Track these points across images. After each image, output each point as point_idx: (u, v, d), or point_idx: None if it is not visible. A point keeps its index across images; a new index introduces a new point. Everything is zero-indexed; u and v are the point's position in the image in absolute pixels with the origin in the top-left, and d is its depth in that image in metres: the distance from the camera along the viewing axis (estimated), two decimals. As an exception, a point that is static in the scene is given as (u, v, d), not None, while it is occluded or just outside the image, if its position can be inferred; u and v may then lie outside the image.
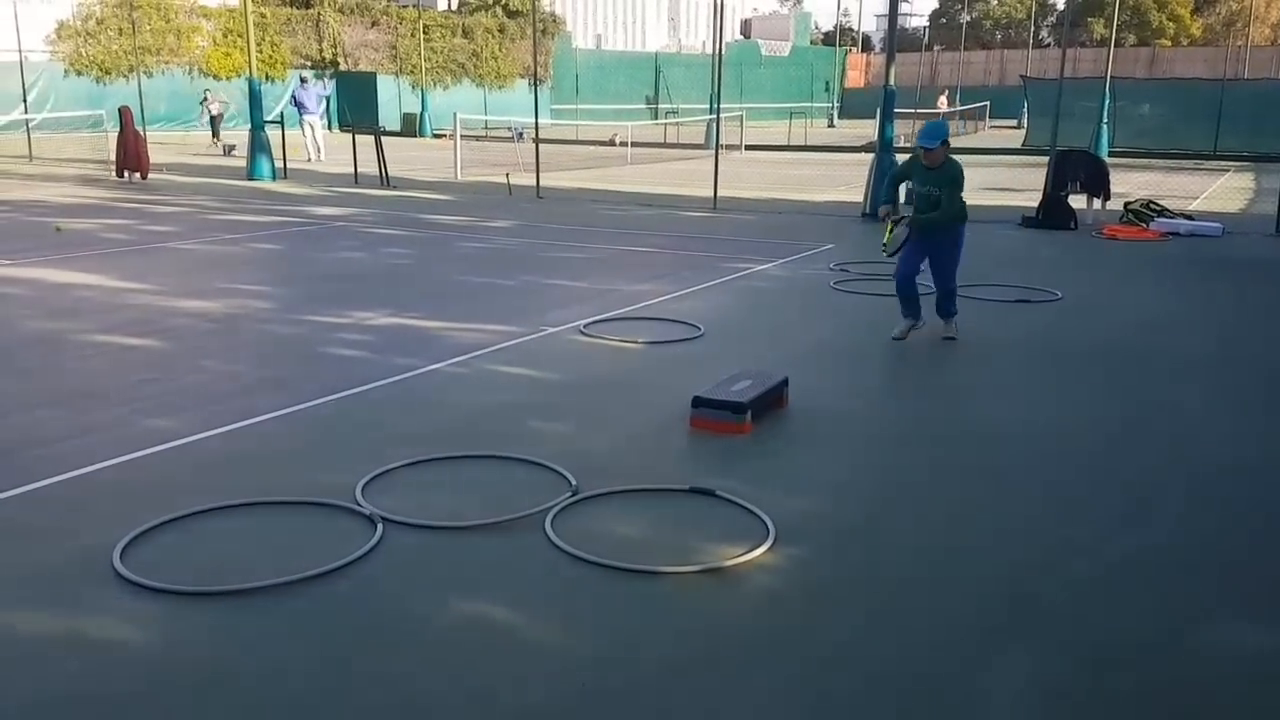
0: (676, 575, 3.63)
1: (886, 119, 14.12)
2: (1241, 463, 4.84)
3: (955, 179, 6.68)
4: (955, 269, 7.00)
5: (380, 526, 3.92)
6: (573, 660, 3.08)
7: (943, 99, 39.92)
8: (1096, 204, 13.36)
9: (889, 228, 6.89)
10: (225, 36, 34.89)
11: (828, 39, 70.69)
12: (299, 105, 22.88)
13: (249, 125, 19.01)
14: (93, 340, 6.90)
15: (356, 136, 19.16)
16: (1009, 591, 3.56)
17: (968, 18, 68.47)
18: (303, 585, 3.49)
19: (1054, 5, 71.58)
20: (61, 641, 3.14)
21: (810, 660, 3.11)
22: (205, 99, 27.26)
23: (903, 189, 7.40)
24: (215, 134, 26.65)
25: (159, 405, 5.49)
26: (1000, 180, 19.38)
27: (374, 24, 39.61)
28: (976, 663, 3.10)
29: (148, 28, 32.68)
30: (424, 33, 38.26)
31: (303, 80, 23.89)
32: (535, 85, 19.39)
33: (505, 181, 17.32)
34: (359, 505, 4.13)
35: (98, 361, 6.40)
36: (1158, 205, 13.29)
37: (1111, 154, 21.64)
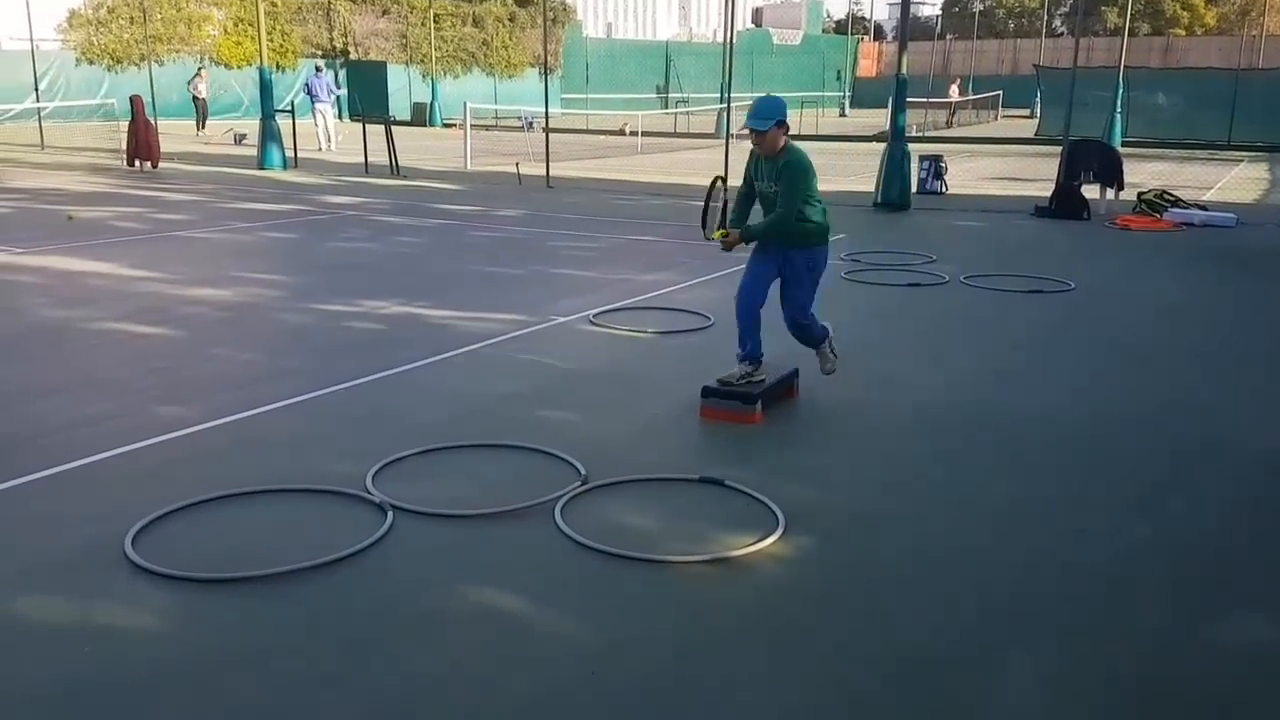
0: (686, 564, 3.62)
1: (899, 108, 14.05)
2: (1254, 454, 4.81)
3: (796, 172, 5.02)
4: (809, 301, 5.34)
5: (390, 515, 3.93)
6: (582, 648, 3.08)
7: (954, 88, 39.66)
8: (1110, 194, 13.28)
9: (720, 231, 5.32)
10: (236, 25, 34.90)
11: (840, 27, 70.32)
12: (311, 94, 22.88)
13: (260, 114, 19.03)
14: (104, 329, 6.93)
15: (366, 126, 19.16)
16: (1020, 580, 3.54)
17: (981, 6, 68.05)
18: (313, 573, 3.50)
19: (1067, -6, 71.11)
20: (74, 628, 3.16)
21: (820, 649, 3.11)
22: (198, 74, 26.97)
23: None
24: (202, 122, 26.40)
25: (170, 393, 5.51)
26: (1013, 170, 19.28)
27: (384, 13, 39.57)
28: (987, 651, 3.09)
29: (159, 16, 32.71)
30: (434, 22, 38.22)
31: (318, 69, 23.89)
32: (546, 74, 19.34)
33: (515, 171, 17.31)
34: (369, 493, 4.13)
35: (109, 350, 6.42)
36: (1171, 195, 13.20)
37: (1125, 144, 21.50)
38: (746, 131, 5.06)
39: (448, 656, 3.03)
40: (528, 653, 3.05)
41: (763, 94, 5.39)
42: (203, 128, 26.37)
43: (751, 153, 5.22)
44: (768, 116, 4.93)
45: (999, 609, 3.36)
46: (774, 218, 5.08)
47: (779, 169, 5.03)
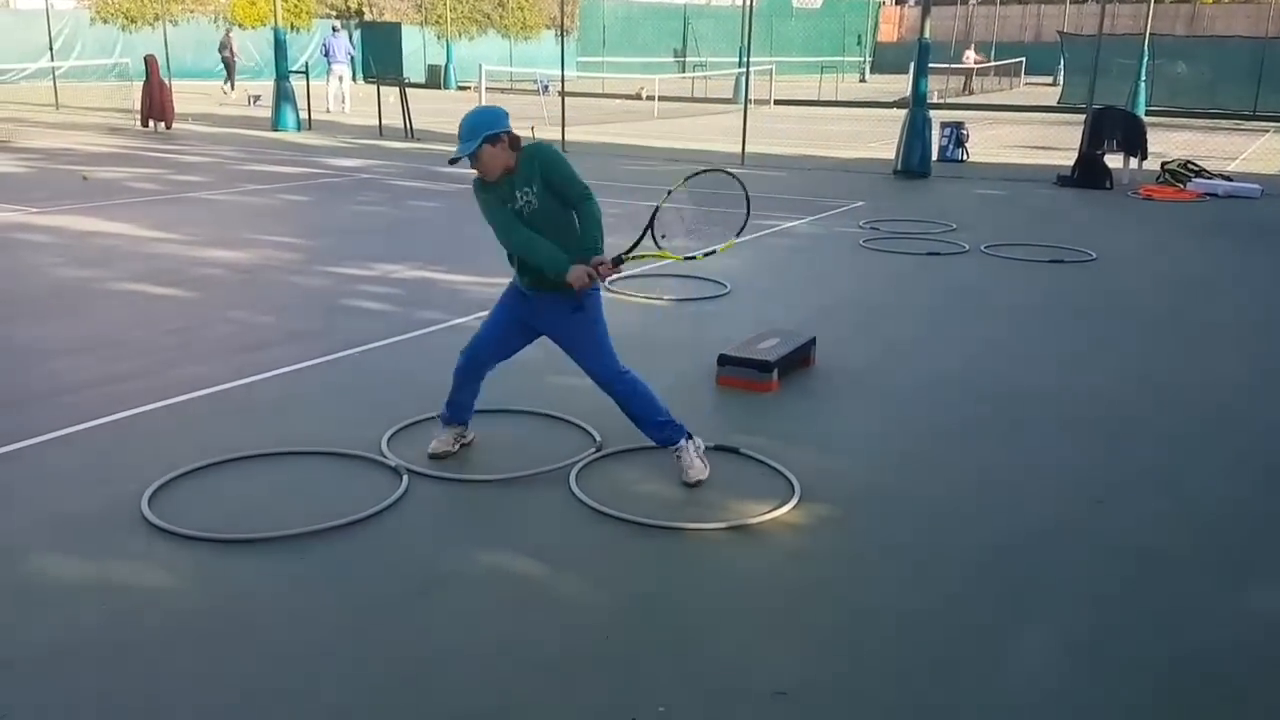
0: (701, 531, 3.61)
1: (921, 74, 13.86)
2: (1276, 426, 4.75)
3: (552, 159, 3.87)
4: (602, 349, 4.08)
5: (406, 478, 3.93)
6: (596, 613, 3.08)
7: (969, 53, 38.98)
8: (1133, 163, 13.11)
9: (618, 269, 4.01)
10: (251, -15, 34.64)
11: (859, -8, 69.29)
12: (329, 54, 22.74)
13: (274, 75, 18.94)
14: (120, 289, 6.93)
15: (381, 88, 19.05)
16: (1037, 549, 3.52)
17: (1003, -29, 66.90)
18: (328, 535, 3.50)
19: (1092, -41, 69.89)
20: (91, 586, 3.17)
21: (837, 615, 3.10)
22: (228, 35, 26.89)
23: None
24: (232, 82, 26.37)
25: (187, 354, 5.51)
26: (1035, 138, 19.06)
27: (400, -27, 39.21)
28: (1004, 618, 3.07)
29: (173, -25, 32.49)
30: (450, -18, 37.85)
31: (334, 29, 23.72)
32: (562, 36, 19.17)
33: (530, 135, 17.21)
34: (385, 457, 4.13)
35: (126, 310, 6.42)
36: (1195, 165, 13.01)
37: (1149, 113, 21.15)
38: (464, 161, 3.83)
39: (462, 619, 3.03)
40: (542, 617, 3.05)
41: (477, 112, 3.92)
42: (233, 88, 26.22)
43: (474, 186, 3.95)
44: (475, 136, 3.76)
45: (1016, 577, 3.34)
46: (587, 214, 3.89)
47: (525, 177, 3.82)
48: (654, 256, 4.18)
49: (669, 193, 4.32)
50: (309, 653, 2.85)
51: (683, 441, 4.04)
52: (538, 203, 3.85)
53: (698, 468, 4.00)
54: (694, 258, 4.30)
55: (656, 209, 4.30)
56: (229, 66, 26.58)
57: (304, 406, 4.82)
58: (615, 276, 4.38)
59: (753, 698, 2.68)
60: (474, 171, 3.87)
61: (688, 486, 3.95)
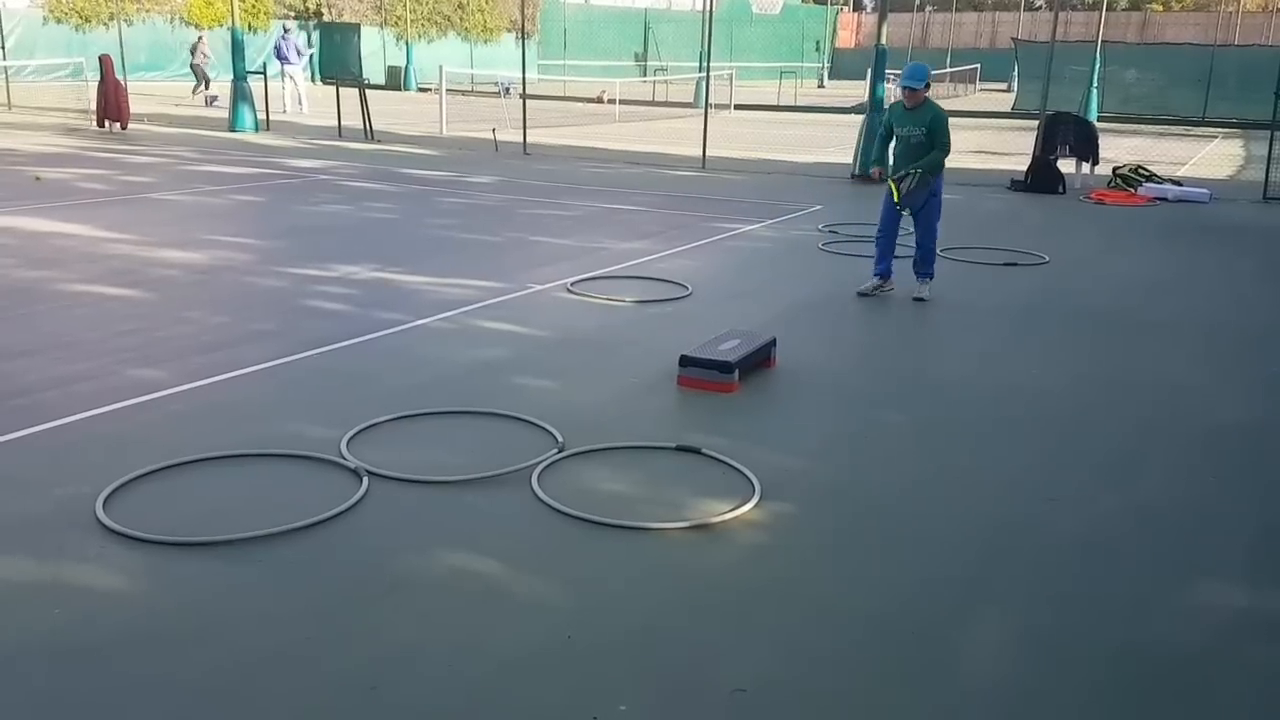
0: (663, 531, 3.63)
1: (878, 79, 14.01)
2: (1225, 424, 4.87)
3: (941, 117, 6.87)
4: (938, 221, 7.13)
5: (366, 480, 3.91)
6: (558, 614, 3.09)
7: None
8: (1085, 168, 13.33)
9: (894, 185, 6.95)
10: (207, -15, 34.18)
11: (819, -2, 69.89)
12: (281, 56, 22.49)
13: (231, 76, 18.72)
14: (73, 290, 6.82)
15: (340, 89, 18.90)
16: (992, 547, 3.58)
17: (960, -22, 67.73)
18: (288, 537, 3.48)
19: (1047, -33, 70.95)
20: (45, 590, 3.12)
21: (796, 613, 3.13)
22: (200, 40, 26.24)
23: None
24: (205, 84, 25.59)
25: (141, 356, 5.44)
26: (989, 144, 19.32)
27: (359, -26, 38.89)
28: (960, 615, 3.12)
29: (128, -26, 31.99)
30: (410, -16, 37.61)
31: (285, 30, 23.47)
32: (523, 39, 19.12)
33: (491, 137, 17.15)
34: (344, 459, 4.11)
35: (79, 311, 6.32)
36: (1146, 170, 13.27)
37: (1101, 119, 21.52)
38: (903, 93, 6.89)
39: (424, 620, 3.03)
40: (503, 618, 3.05)
41: (917, 62, 7.36)
42: (206, 89, 25.15)
43: (892, 105, 7.24)
44: (920, 79, 6.82)
45: (972, 575, 3.39)
46: (938, 152, 6.85)
47: (924, 116, 6.84)
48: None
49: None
50: (267, 656, 2.83)
51: (927, 281, 7.19)
52: (920, 132, 6.86)
53: (924, 292, 7.11)
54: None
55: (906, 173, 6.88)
56: (198, 73, 25.59)
57: (262, 408, 4.77)
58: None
59: (712, 696, 2.71)
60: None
61: (917, 300, 7.01)
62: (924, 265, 7.20)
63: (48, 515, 3.60)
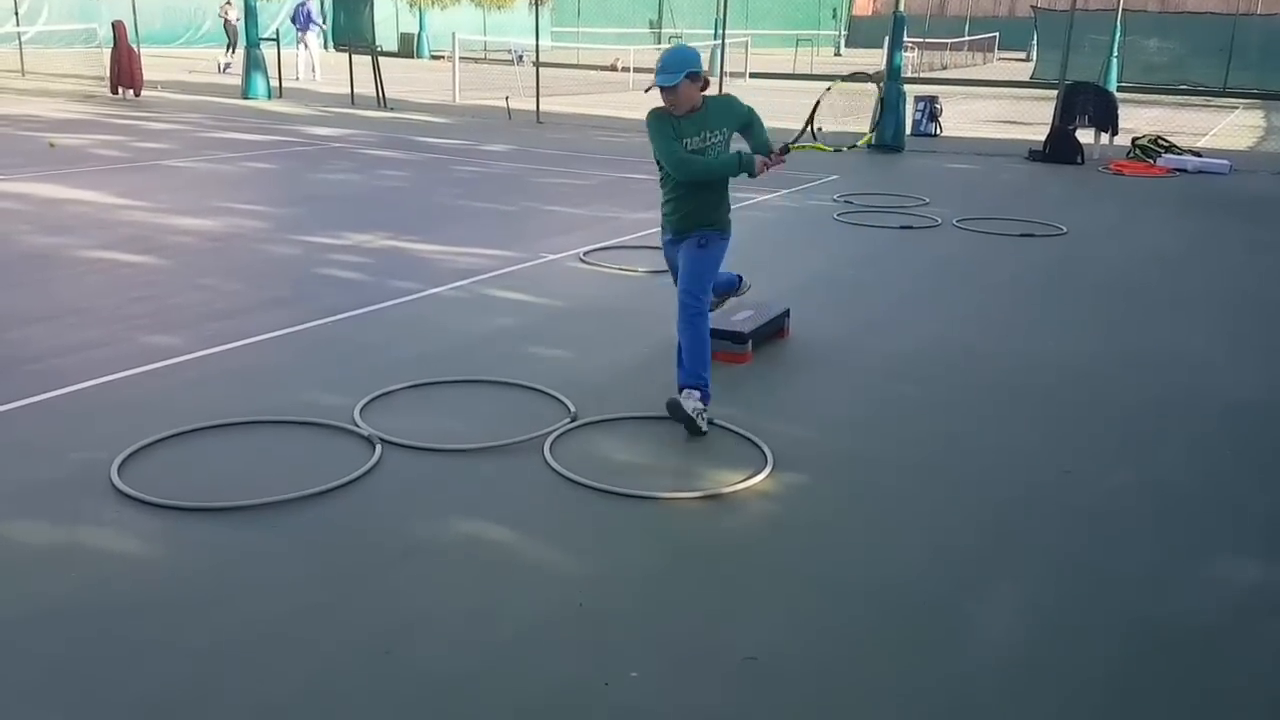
0: (674, 500, 3.63)
1: (895, 47, 13.86)
2: (1243, 400, 4.83)
3: (741, 103, 4.57)
4: (702, 276, 4.48)
5: (379, 448, 3.92)
6: (570, 581, 3.10)
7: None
8: (1104, 139, 13.19)
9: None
10: (220, -50, 33.99)
11: (836, -35, 69.01)
12: (298, 22, 22.35)
13: (244, 43, 18.65)
14: (88, 257, 6.84)
15: (353, 56, 18.81)
16: (1005, 519, 3.57)
17: (979, -55, 66.78)
18: (301, 504, 3.49)
19: (1068, -66, 69.84)
20: (60, 554, 3.15)
21: (808, 583, 3.13)
22: (227, 2, 25.96)
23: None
24: (232, 49, 25.18)
25: (156, 323, 5.46)
26: (1008, 113, 19.12)
27: (372, -60, 38.57)
28: (972, 587, 3.12)
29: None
30: (423, -51, 37.32)
31: (303, -4, 23.30)
32: (536, 6, 18.98)
33: (504, 105, 17.06)
34: (358, 426, 4.12)
35: (93, 278, 6.34)
36: (1165, 141, 13.12)
37: (1120, 89, 21.25)
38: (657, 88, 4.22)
39: (435, 588, 3.04)
40: (515, 585, 3.06)
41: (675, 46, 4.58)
42: (231, 53, 24.89)
43: (659, 117, 4.28)
44: (677, 70, 4.12)
45: (985, 546, 3.38)
46: (760, 126, 4.62)
47: (716, 116, 4.34)
48: (812, 148, 4.89)
49: (828, 89, 5.28)
50: (281, 621, 2.85)
51: (699, 396, 4.21)
52: (721, 147, 4.35)
53: (698, 411, 4.16)
54: (840, 150, 5.13)
55: (817, 103, 5.05)
56: (230, 33, 25.11)
57: (275, 375, 4.78)
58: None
59: (723, 663, 2.71)
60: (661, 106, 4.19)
61: (690, 428, 4.16)
62: (690, 363, 4.31)
63: (63, 480, 3.62)
